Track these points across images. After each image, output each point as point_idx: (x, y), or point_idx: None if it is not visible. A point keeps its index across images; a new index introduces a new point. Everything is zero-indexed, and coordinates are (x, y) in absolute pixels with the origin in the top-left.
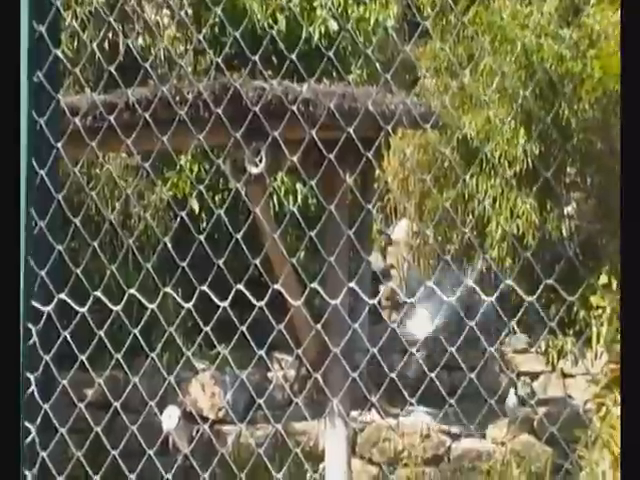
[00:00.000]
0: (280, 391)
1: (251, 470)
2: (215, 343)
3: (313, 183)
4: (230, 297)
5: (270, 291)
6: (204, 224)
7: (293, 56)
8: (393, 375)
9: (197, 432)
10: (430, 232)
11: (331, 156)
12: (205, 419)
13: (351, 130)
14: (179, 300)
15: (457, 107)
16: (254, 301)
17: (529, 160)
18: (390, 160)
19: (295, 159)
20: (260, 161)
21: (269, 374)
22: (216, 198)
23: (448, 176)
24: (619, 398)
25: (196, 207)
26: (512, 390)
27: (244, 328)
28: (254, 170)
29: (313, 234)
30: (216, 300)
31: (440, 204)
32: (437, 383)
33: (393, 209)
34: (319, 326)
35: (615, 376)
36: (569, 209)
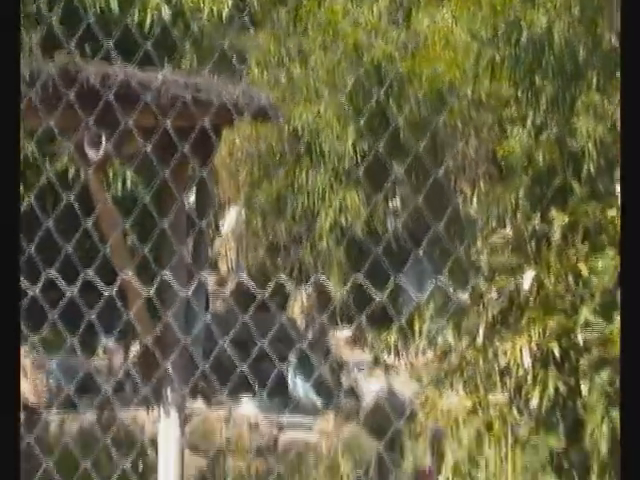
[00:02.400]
0: (108, 378)
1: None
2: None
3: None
4: (41, 282)
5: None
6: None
7: (111, 42)
8: (206, 366)
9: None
10: (258, 222)
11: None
12: (28, 405)
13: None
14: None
15: (287, 100)
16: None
17: (358, 155)
18: (221, 150)
19: (139, 147)
20: (100, 146)
21: (96, 361)
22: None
23: (278, 168)
24: (443, 392)
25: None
26: (300, 380)
27: (55, 314)
28: (93, 155)
29: (128, 224)
30: (27, 286)
31: (268, 195)
32: (247, 374)
33: (222, 199)
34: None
35: (439, 371)
36: (395, 204)
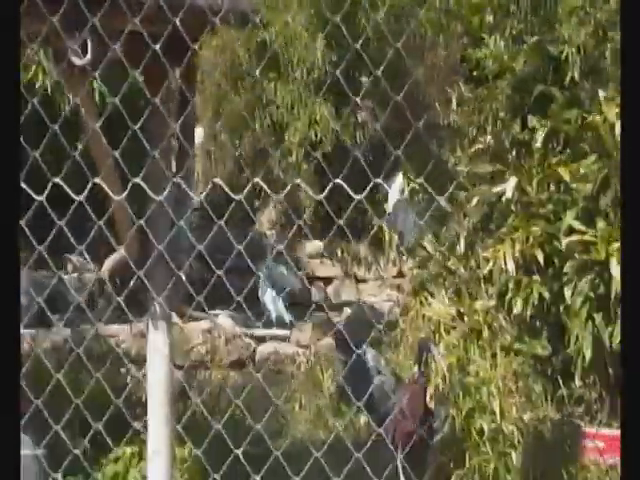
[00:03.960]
0: (79, 293)
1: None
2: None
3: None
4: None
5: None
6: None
7: None
8: (181, 273)
9: None
10: (225, 136)
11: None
12: None
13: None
14: None
15: (256, 10)
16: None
17: (327, 67)
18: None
19: (118, 49)
20: (85, 52)
21: (65, 277)
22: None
23: (245, 79)
24: (425, 302)
25: None
26: (269, 293)
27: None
28: (78, 61)
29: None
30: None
31: (236, 108)
32: (226, 284)
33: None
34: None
35: (420, 280)
36: (362, 116)
